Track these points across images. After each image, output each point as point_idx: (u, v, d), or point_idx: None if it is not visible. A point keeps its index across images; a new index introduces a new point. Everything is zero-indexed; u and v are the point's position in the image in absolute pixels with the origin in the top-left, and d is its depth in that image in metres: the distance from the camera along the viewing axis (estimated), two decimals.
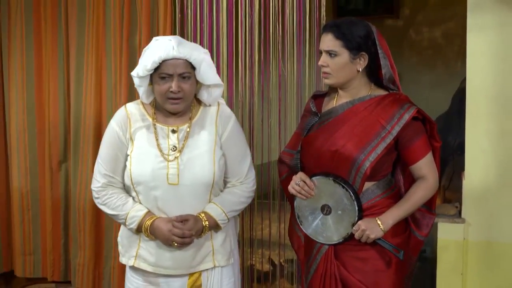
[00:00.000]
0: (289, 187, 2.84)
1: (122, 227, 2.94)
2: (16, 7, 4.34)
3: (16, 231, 4.46)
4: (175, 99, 2.74)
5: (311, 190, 2.78)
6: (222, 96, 3.80)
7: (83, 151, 4.24)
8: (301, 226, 2.87)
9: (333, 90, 2.92)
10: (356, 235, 2.69)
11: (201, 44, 3.80)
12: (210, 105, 2.91)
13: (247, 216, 3.90)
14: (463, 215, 3.46)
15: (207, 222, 2.81)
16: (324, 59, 2.76)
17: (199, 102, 2.90)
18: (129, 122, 2.84)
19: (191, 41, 3.81)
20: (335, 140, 2.73)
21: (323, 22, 3.59)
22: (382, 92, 2.82)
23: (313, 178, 2.79)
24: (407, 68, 6.74)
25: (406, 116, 2.69)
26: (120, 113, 2.91)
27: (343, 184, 2.71)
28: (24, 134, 4.40)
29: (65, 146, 4.36)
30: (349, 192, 2.71)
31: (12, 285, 4.65)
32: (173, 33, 3.89)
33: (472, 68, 3.41)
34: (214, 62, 3.75)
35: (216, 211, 2.84)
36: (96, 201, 2.91)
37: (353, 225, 2.70)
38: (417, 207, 2.81)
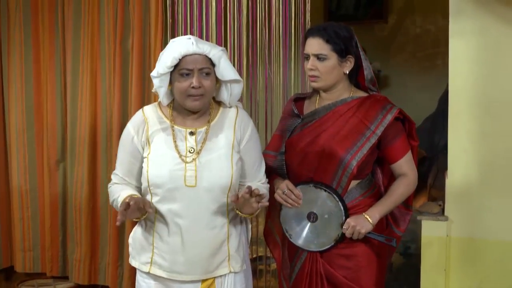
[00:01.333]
0: (276, 195, 2.82)
1: (135, 227, 2.86)
2: (15, 12, 4.39)
3: (16, 228, 4.52)
4: (196, 96, 2.66)
5: (298, 199, 2.78)
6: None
7: (79, 151, 4.28)
8: (291, 240, 2.87)
9: (314, 92, 2.96)
10: (348, 233, 2.72)
11: None
12: (230, 107, 2.83)
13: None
14: (446, 213, 3.50)
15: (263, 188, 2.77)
16: (313, 63, 2.78)
17: (218, 104, 2.83)
18: (147, 125, 2.77)
19: None
20: (321, 141, 2.77)
21: (308, 26, 3.63)
22: (362, 94, 2.88)
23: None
24: (396, 72, 6.79)
25: (389, 117, 2.76)
26: (137, 117, 2.83)
27: (324, 188, 2.77)
28: (23, 134, 4.45)
29: (63, 146, 4.39)
30: (332, 195, 2.76)
31: (12, 280, 4.70)
32: (164, 37, 3.95)
33: (454, 72, 3.45)
34: None
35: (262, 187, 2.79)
36: (109, 189, 2.87)
37: (342, 225, 2.75)
38: (399, 202, 2.87)
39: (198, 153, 2.70)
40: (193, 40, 2.66)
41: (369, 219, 2.74)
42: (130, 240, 2.89)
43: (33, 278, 4.61)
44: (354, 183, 2.80)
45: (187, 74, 2.64)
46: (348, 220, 2.73)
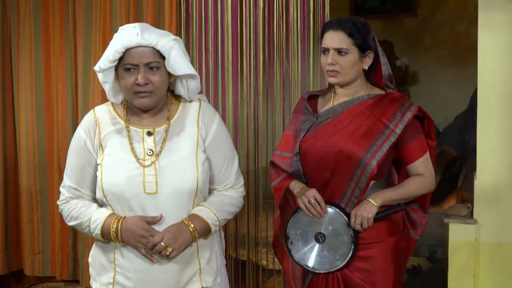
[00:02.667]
0: (299, 202, 2.74)
1: (93, 245, 2.65)
2: (25, 8, 4.37)
3: (25, 230, 4.47)
4: (142, 93, 2.43)
5: (322, 212, 2.70)
6: (227, 95, 3.84)
7: None
8: (303, 265, 2.79)
9: (328, 90, 2.92)
10: (357, 224, 2.67)
11: (206, 44, 3.82)
12: (190, 101, 2.61)
13: (252, 216, 3.89)
14: (474, 216, 3.45)
15: (192, 226, 2.48)
16: (333, 57, 2.72)
17: (178, 99, 2.62)
18: (98, 127, 2.53)
19: (196, 40, 3.84)
20: (338, 140, 2.72)
21: (327, 20, 3.55)
22: (378, 91, 2.83)
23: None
24: (425, 67, 6.79)
25: (409, 114, 2.70)
26: (87, 119, 2.60)
27: (329, 205, 2.73)
28: (33, 134, 4.41)
29: None
30: (335, 209, 2.72)
31: (22, 283, 4.67)
32: (178, 32, 3.88)
33: (483, 67, 3.43)
34: (218, 62, 3.81)
35: (205, 211, 2.54)
36: (62, 212, 2.60)
37: (348, 225, 2.70)
38: (408, 197, 2.80)
39: (157, 155, 2.48)
40: (139, 29, 2.43)
41: (371, 201, 2.69)
42: (89, 259, 2.67)
43: (43, 281, 4.57)
44: (372, 182, 2.75)
45: (133, 69, 2.41)
46: (352, 212, 2.70)
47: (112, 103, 2.59)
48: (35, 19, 4.36)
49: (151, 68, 2.42)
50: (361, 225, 2.67)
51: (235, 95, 3.83)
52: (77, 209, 2.52)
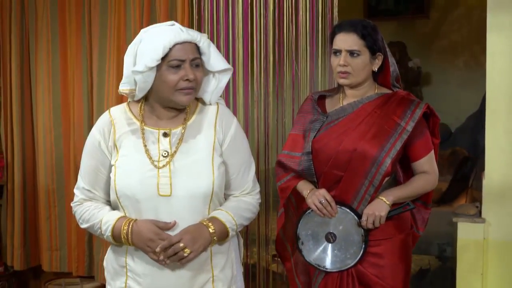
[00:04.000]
0: (311, 203, 2.75)
1: (108, 250, 2.58)
2: (43, 13, 4.44)
3: (43, 228, 4.54)
4: (187, 89, 2.37)
5: (333, 211, 2.73)
6: (238, 96, 3.85)
7: None
8: (314, 264, 2.81)
9: (335, 90, 2.95)
10: (369, 224, 2.70)
11: (218, 45, 3.84)
12: (210, 104, 2.54)
13: (262, 215, 3.90)
14: (483, 215, 3.46)
15: (212, 227, 2.39)
16: (345, 59, 2.74)
17: (196, 101, 2.54)
18: (113, 128, 2.46)
19: None
20: (351, 140, 2.74)
21: (335, 22, 3.58)
22: (386, 91, 2.86)
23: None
24: (437, 68, 6.79)
25: (419, 111, 2.74)
26: (102, 119, 2.53)
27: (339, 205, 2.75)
28: (50, 133, 4.48)
29: None
30: (344, 209, 2.74)
31: (40, 279, 4.74)
32: None
33: (492, 68, 3.44)
34: (230, 63, 3.76)
35: (223, 214, 2.45)
36: (75, 214, 2.54)
37: (359, 224, 2.72)
38: (415, 194, 2.83)
39: (172, 156, 2.40)
40: (180, 26, 2.38)
41: (383, 199, 2.72)
42: (104, 263, 2.60)
43: (60, 277, 4.63)
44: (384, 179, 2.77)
45: (178, 66, 2.34)
46: (364, 211, 2.71)
47: (128, 103, 2.53)
48: (52, 23, 4.43)
49: (196, 65, 2.38)
50: (373, 223, 2.70)
51: (246, 95, 3.86)
52: (90, 211, 2.47)
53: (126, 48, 4.00)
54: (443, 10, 6.86)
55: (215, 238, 2.39)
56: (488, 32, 3.40)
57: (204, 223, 2.38)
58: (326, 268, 2.78)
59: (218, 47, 3.81)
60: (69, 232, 4.50)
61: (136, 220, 2.38)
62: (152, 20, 4.07)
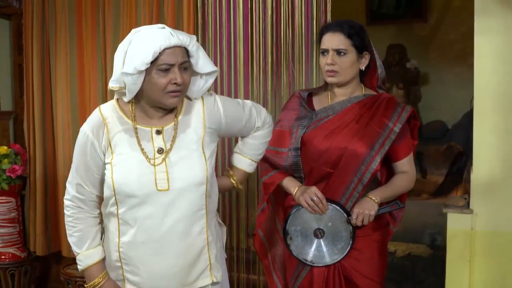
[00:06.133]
0: (302, 200, 2.76)
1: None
2: (62, 13, 4.59)
3: (62, 216, 4.44)
4: (175, 92, 2.38)
5: (324, 208, 2.74)
6: (239, 94, 3.98)
7: None
8: (301, 259, 2.84)
9: (322, 88, 2.98)
10: (358, 222, 2.72)
11: (220, 46, 3.99)
12: (194, 99, 2.56)
13: (252, 208, 4.03)
14: (471, 206, 3.51)
15: (234, 177, 2.74)
16: (332, 58, 2.77)
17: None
18: (106, 127, 2.45)
19: (211, 44, 4.02)
20: (341, 138, 2.77)
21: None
22: (372, 92, 2.90)
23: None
24: (435, 69, 6.88)
25: (405, 114, 2.79)
26: (94, 118, 2.50)
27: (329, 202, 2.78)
28: (69, 129, 4.66)
29: None
30: (332, 205, 2.77)
31: (61, 263, 4.87)
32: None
33: (479, 69, 3.46)
34: (231, 64, 3.99)
35: (242, 161, 2.75)
36: (65, 212, 2.58)
37: (348, 221, 2.76)
38: (397, 193, 2.87)
39: (168, 152, 2.43)
40: (170, 30, 2.37)
41: (373, 198, 2.75)
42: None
43: None
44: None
45: (167, 69, 2.35)
46: (354, 209, 2.73)
47: (118, 101, 2.51)
48: (70, 26, 4.58)
49: (185, 68, 2.39)
50: (362, 221, 2.72)
51: (246, 94, 3.98)
52: (76, 230, 2.54)
53: None
54: (439, 14, 6.95)
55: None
56: (475, 36, 3.44)
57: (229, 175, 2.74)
58: (313, 263, 2.79)
59: (220, 48, 3.99)
60: None
61: (108, 278, 2.51)
62: (160, 23, 4.20)
